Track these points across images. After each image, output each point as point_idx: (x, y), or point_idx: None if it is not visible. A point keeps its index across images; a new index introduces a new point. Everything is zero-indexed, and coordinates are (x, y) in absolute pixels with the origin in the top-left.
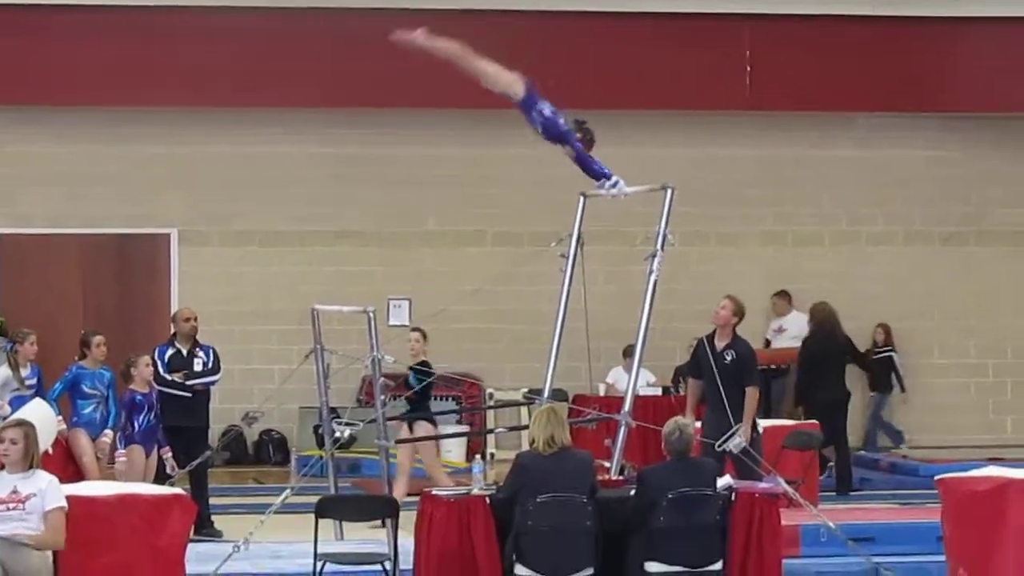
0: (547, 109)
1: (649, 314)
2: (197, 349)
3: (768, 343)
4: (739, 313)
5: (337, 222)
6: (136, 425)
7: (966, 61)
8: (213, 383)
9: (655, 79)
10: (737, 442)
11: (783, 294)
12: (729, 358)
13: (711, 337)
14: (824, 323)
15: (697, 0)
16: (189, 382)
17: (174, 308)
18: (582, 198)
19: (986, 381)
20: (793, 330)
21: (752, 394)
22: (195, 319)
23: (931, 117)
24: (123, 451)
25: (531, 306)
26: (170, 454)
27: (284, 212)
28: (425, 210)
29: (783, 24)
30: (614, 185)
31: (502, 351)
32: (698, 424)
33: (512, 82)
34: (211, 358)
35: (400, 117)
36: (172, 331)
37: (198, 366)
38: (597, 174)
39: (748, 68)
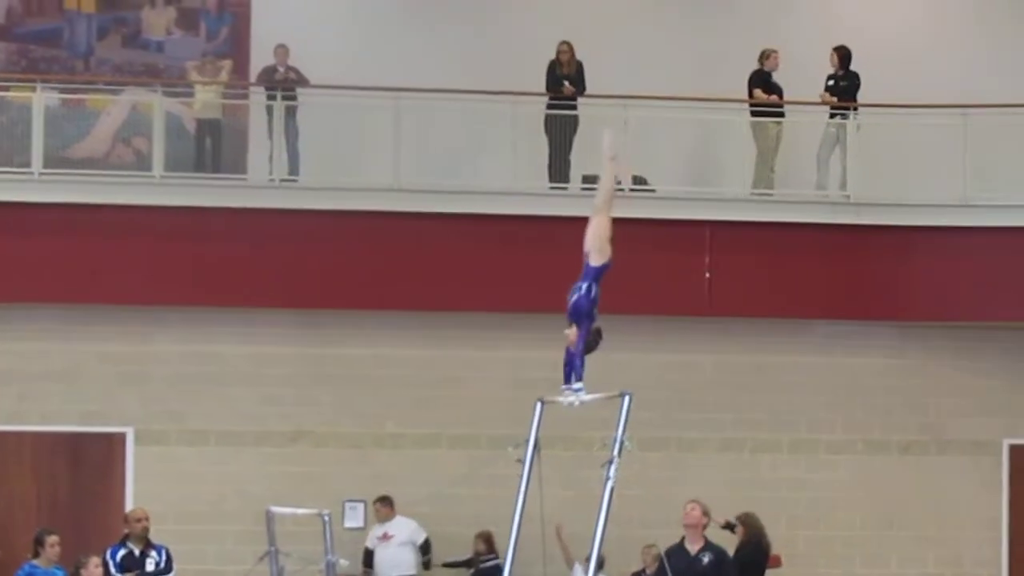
0: (593, 291)
1: (606, 520)
2: (150, 549)
3: (369, 552)
4: (706, 514)
5: (294, 422)
6: None
7: (924, 270)
8: None
9: (615, 283)
10: None
11: (385, 499)
12: (707, 560)
13: (680, 545)
14: (754, 532)
15: (657, 206)
16: None
17: (128, 507)
18: (539, 403)
19: None
20: (401, 535)
21: None
22: (147, 519)
23: (889, 325)
24: None
25: (488, 510)
26: None
27: (240, 411)
28: (383, 412)
29: (743, 231)
30: (576, 392)
31: (458, 555)
32: None
33: (607, 252)
34: (163, 558)
35: (357, 318)
36: (125, 531)
37: (150, 566)
38: (573, 374)
39: (708, 274)
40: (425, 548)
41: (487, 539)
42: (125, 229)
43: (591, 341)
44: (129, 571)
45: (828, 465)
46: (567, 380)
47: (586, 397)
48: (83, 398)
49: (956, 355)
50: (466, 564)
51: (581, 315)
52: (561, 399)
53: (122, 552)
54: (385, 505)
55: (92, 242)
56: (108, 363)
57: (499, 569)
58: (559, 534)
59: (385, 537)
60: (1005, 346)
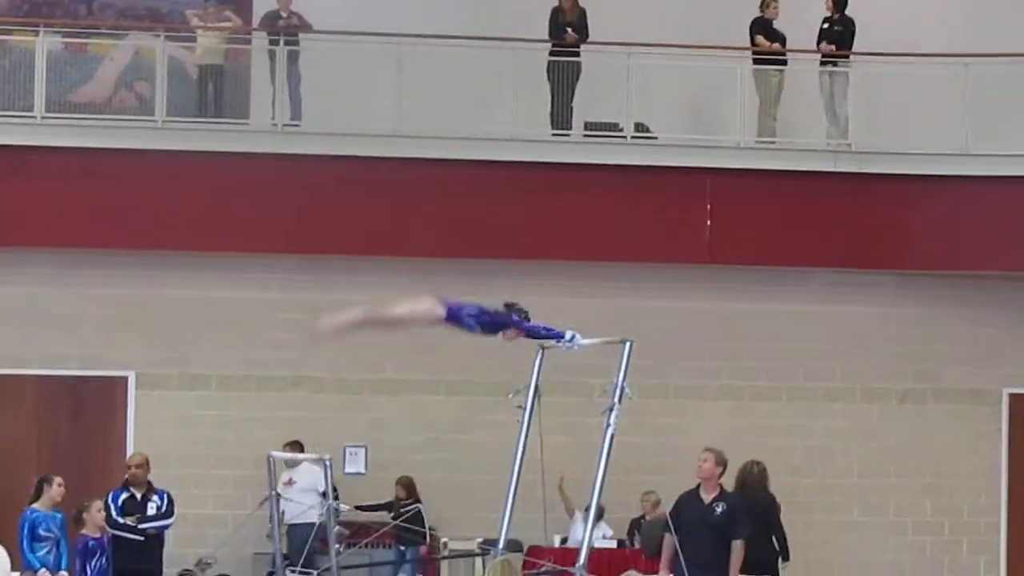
0: (472, 309)
1: (606, 467)
2: (151, 493)
3: (278, 497)
4: (722, 463)
5: (294, 368)
6: (89, 570)
7: (926, 219)
8: (166, 527)
9: (616, 231)
10: None
11: (294, 444)
12: (719, 510)
13: (695, 492)
14: (748, 484)
15: (658, 153)
16: (141, 526)
17: (129, 451)
18: (540, 350)
19: (942, 539)
20: (304, 482)
21: (740, 547)
22: (144, 465)
23: (889, 274)
24: None
25: (487, 456)
26: None
27: (242, 357)
28: (383, 358)
29: (744, 179)
30: (571, 339)
31: (458, 501)
32: None
33: (428, 310)
34: (165, 502)
35: (358, 264)
36: (126, 475)
37: (152, 510)
38: (549, 336)
39: (708, 221)
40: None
41: (407, 485)
42: (127, 173)
43: (519, 312)
44: (130, 515)
45: (826, 413)
46: (557, 340)
47: (584, 342)
48: (85, 342)
49: (956, 304)
50: (384, 509)
51: (497, 323)
52: (559, 345)
53: (124, 496)
54: (293, 450)
55: (94, 186)
56: (110, 307)
57: (419, 515)
58: (561, 485)
59: (289, 483)
60: (1005, 296)
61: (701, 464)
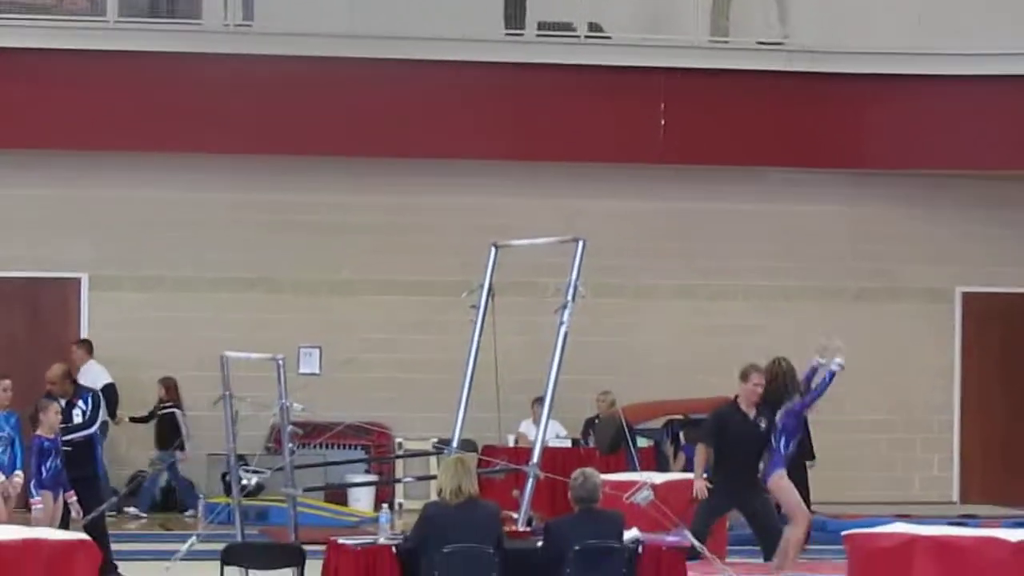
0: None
1: (559, 366)
2: (76, 399)
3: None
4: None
5: (249, 269)
6: (44, 471)
7: (880, 118)
8: (89, 435)
9: (570, 131)
10: (645, 495)
11: (84, 343)
12: (763, 425)
13: (735, 406)
14: (773, 380)
15: (612, 53)
16: (64, 437)
17: None
18: (493, 248)
19: (896, 437)
20: (86, 379)
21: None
22: (57, 381)
23: (845, 173)
24: (38, 498)
25: (442, 356)
26: (75, 498)
27: (195, 258)
28: (338, 259)
29: (698, 78)
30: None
31: (412, 401)
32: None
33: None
34: (90, 406)
35: (311, 164)
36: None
37: (77, 417)
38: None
39: (662, 121)
40: (106, 392)
41: (168, 386)
42: (79, 74)
43: None
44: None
45: (782, 312)
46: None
47: (541, 241)
48: (38, 244)
49: (910, 203)
50: (152, 416)
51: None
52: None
53: None
54: (81, 348)
55: (46, 87)
56: (63, 209)
57: (174, 417)
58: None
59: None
60: (959, 194)
61: (755, 385)
